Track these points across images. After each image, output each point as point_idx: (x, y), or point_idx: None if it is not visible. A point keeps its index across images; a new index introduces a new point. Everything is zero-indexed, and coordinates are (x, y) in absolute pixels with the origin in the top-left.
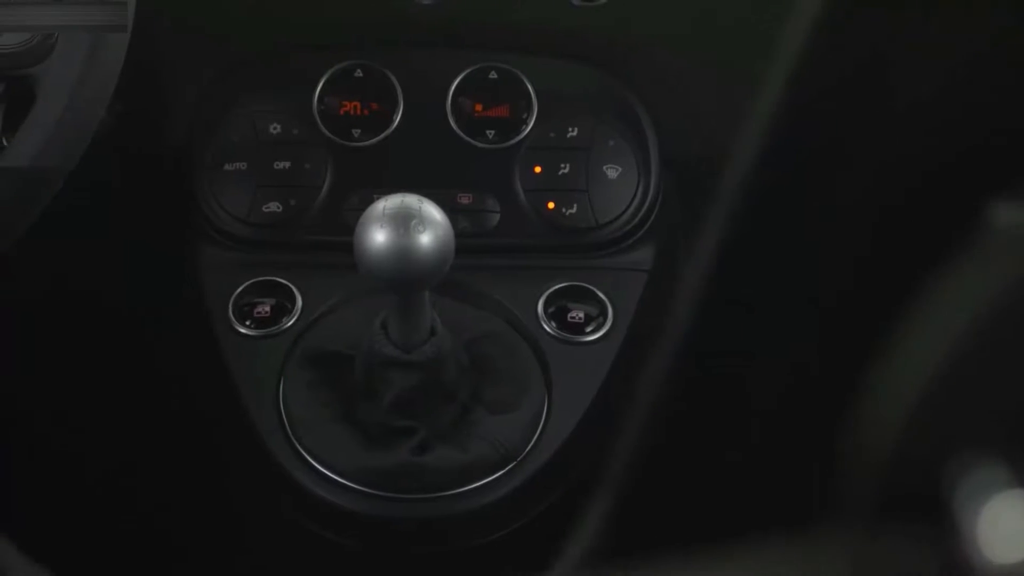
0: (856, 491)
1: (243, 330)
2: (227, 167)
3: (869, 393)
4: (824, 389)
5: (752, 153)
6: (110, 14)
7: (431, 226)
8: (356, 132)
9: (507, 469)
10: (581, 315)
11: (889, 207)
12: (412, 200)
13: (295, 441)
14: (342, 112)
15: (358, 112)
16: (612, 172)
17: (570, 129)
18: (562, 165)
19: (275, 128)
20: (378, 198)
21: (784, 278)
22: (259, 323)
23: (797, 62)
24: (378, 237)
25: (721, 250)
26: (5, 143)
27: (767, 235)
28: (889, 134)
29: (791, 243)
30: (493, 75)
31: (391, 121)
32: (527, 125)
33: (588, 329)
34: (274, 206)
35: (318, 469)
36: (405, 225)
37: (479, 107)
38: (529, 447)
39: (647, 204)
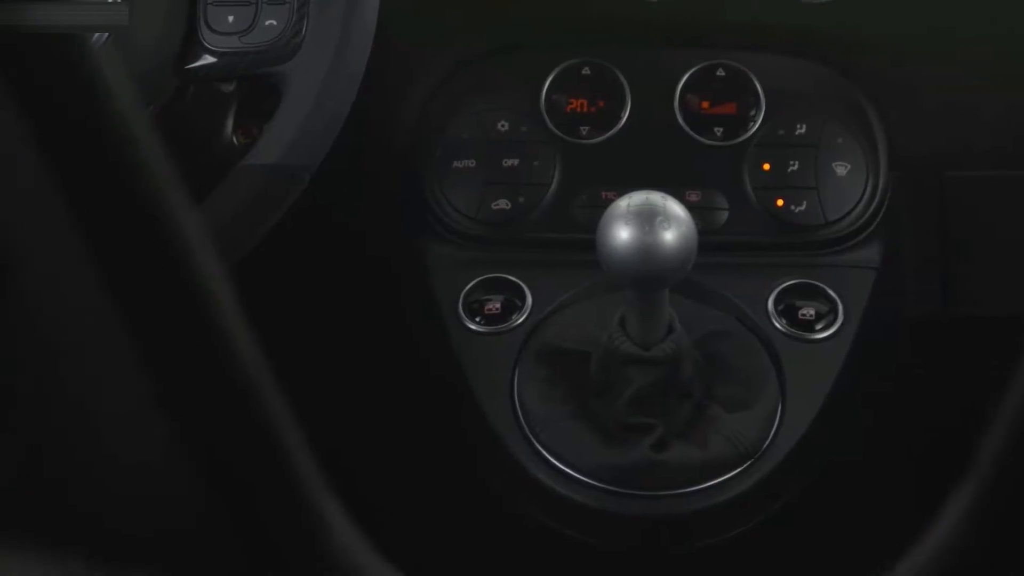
0: None
1: (473, 327)
2: (456, 165)
3: None
4: None
5: None
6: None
7: (675, 223)
8: (584, 130)
9: (745, 466)
10: (811, 312)
11: None
12: (656, 197)
13: (532, 438)
14: (569, 109)
15: (585, 109)
16: (841, 169)
17: (798, 126)
18: (791, 162)
19: (503, 126)
20: (607, 196)
21: None
22: (489, 320)
23: None
24: (623, 234)
25: None
26: (236, 141)
27: None
28: None
29: None
30: (720, 72)
31: (618, 118)
32: (755, 122)
33: (819, 327)
34: (503, 203)
35: (558, 466)
36: (650, 222)
37: (706, 104)
38: (766, 444)
39: (876, 202)
